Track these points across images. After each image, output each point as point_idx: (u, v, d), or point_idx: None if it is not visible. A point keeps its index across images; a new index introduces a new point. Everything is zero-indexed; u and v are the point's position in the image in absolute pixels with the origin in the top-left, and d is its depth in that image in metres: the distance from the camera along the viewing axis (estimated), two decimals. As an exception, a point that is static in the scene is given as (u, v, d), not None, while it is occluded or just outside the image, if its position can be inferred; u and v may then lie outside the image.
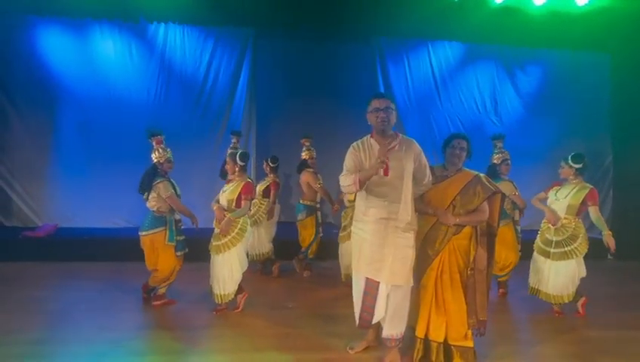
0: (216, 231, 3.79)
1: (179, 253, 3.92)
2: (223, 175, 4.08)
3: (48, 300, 4.07)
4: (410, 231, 2.78)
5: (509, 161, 4.48)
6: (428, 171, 2.85)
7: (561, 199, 3.89)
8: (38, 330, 3.31)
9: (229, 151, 5.05)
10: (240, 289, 3.84)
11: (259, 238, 5.06)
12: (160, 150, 3.90)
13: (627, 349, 3.27)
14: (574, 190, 3.87)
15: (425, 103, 7.55)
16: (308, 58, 7.33)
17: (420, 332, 2.88)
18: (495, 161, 4.49)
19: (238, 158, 3.89)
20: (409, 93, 7.52)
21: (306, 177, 5.12)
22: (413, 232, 2.81)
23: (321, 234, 5.24)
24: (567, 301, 3.88)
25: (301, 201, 5.21)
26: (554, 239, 3.89)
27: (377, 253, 2.74)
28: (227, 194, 3.83)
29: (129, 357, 2.94)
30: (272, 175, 5.21)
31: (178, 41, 6.98)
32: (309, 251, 5.15)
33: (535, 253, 4.08)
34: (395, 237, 2.73)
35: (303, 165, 5.21)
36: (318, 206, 5.22)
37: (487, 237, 2.91)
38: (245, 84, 7.10)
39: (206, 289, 3.93)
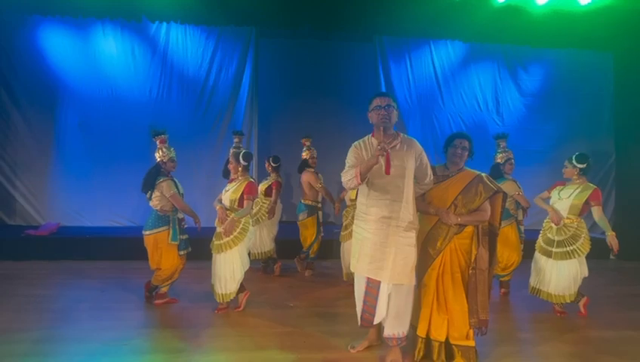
0: (218, 230, 3.79)
1: (182, 252, 3.93)
2: (226, 174, 4.09)
3: (50, 299, 4.08)
4: (411, 231, 2.78)
5: (513, 161, 4.48)
6: (429, 171, 2.85)
7: (564, 199, 3.89)
8: (41, 329, 3.32)
9: (232, 150, 5.05)
10: (242, 288, 3.85)
11: (261, 237, 5.07)
12: (164, 149, 3.91)
13: (629, 349, 3.26)
14: (578, 190, 3.86)
15: (427, 103, 7.55)
16: (310, 57, 7.34)
17: (421, 332, 2.88)
18: (499, 161, 4.50)
19: (241, 158, 3.89)
20: (411, 92, 7.52)
21: (307, 177, 5.13)
22: (415, 231, 2.81)
23: (323, 234, 5.25)
24: (568, 301, 3.87)
25: (302, 201, 5.21)
26: (556, 239, 3.88)
27: (379, 252, 2.75)
28: (230, 193, 3.83)
29: (131, 356, 2.95)
30: (274, 174, 5.21)
31: (180, 41, 7.00)
32: (311, 250, 5.15)
33: (536, 253, 4.07)
34: (396, 236, 2.73)
35: (304, 165, 5.22)
36: (319, 205, 5.23)
37: (489, 236, 2.90)
38: (247, 83, 7.11)
39: (208, 288, 3.93)
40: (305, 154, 5.24)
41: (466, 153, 2.92)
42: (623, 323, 3.82)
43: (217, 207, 3.84)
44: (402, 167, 2.73)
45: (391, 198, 2.73)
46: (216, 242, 3.77)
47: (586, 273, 3.86)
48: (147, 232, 3.88)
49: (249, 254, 4.10)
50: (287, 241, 5.51)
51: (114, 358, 2.88)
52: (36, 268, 5.14)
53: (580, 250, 3.80)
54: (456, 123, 7.54)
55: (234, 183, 3.89)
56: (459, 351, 2.81)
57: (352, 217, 4.43)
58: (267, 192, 5.15)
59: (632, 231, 6.56)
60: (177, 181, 4.00)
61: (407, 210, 2.75)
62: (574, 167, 3.89)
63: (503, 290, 4.55)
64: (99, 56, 6.77)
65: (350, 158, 2.83)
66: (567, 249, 3.83)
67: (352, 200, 4.56)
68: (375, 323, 2.84)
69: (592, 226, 4.23)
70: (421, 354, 2.89)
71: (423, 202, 2.94)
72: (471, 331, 2.83)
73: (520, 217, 4.51)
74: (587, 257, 3.86)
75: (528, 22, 6.62)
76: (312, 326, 3.50)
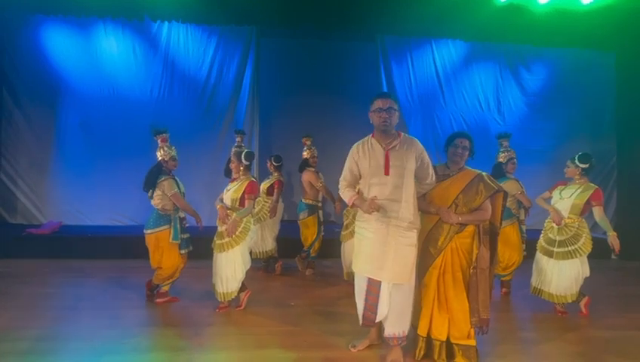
0: (220, 229, 3.79)
1: (183, 251, 3.94)
2: (228, 173, 4.09)
3: (52, 297, 4.10)
4: (412, 230, 2.78)
5: (515, 160, 4.48)
6: (431, 170, 2.85)
7: (566, 198, 3.88)
8: (42, 327, 3.33)
9: (234, 149, 5.07)
10: (243, 287, 3.85)
11: (262, 236, 5.08)
12: (165, 148, 3.91)
13: (630, 349, 3.26)
14: (579, 190, 3.85)
15: (428, 102, 7.54)
16: (311, 56, 7.34)
17: (422, 331, 2.88)
18: (501, 160, 4.49)
19: (243, 158, 3.89)
20: (412, 91, 7.51)
21: (307, 176, 5.13)
22: (416, 231, 2.81)
23: (323, 233, 5.25)
24: (570, 301, 3.87)
25: (303, 200, 5.22)
26: (557, 238, 3.88)
27: (379, 251, 2.75)
28: (231, 193, 3.83)
29: (132, 354, 2.96)
30: (276, 173, 5.22)
31: (182, 40, 7.01)
32: (312, 250, 5.16)
33: (538, 253, 4.06)
34: (396, 236, 2.73)
35: (305, 164, 5.22)
36: (319, 205, 5.23)
37: (490, 235, 2.90)
38: (248, 82, 7.11)
39: (209, 287, 3.94)
40: (305, 154, 5.25)
41: (467, 152, 2.92)
42: (625, 322, 3.81)
43: (218, 207, 3.85)
44: (402, 167, 2.73)
45: (390, 198, 2.73)
46: (217, 241, 3.78)
47: (587, 273, 3.86)
48: (148, 231, 3.89)
49: (250, 253, 4.10)
50: (288, 240, 5.51)
51: (115, 356, 2.89)
52: (38, 267, 5.16)
53: (581, 249, 3.80)
54: (457, 122, 7.53)
55: (235, 182, 3.89)
56: (460, 350, 2.81)
57: (353, 216, 4.45)
58: (269, 191, 5.16)
59: (634, 231, 6.55)
60: (179, 180, 4.00)
61: (408, 210, 2.74)
62: (577, 166, 3.88)
63: (504, 290, 4.55)
64: (100, 56, 6.78)
65: (346, 171, 2.88)
66: (569, 249, 3.82)
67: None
68: (377, 321, 2.84)
69: (594, 226, 4.22)
70: (422, 353, 2.89)
71: (423, 201, 2.93)
72: (472, 330, 2.83)
73: (522, 217, 4.50)
74: (589, 257, 3.85)
75: (530, 21, 6.61)
76: (312, 325, 3.50)
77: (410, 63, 7.50)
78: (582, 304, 3.93)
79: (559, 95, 7.59)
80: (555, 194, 4.00)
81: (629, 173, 7.16)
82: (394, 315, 2.81)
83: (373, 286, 2.79)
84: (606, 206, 6.62)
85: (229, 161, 4.01)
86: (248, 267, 3.84)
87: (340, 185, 2.92)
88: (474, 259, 2.83)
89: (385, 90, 7.25)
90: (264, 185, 5.20)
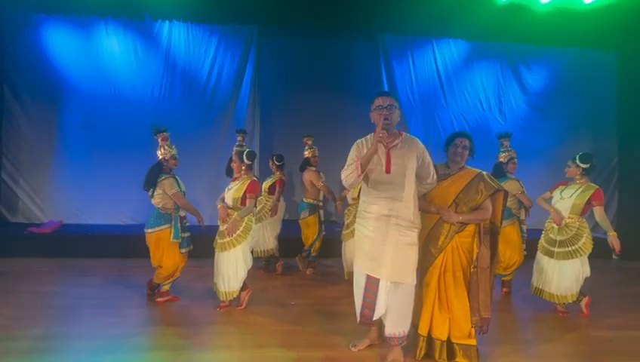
0: (221, 228, 3.80)
1: (184, 250, 3.94)
2: (229, 172, 4.10)
3: (53, 296, 4.10)
4: (412, 230, 2.77)
5: (516, 160, 4.48)
6: (432, 170, 2.84)
7: (566, 198, 3.87)
8: (43, 326, 3.33)
9: (236, 149, 5.08)
10: (244, 287, 3.85)
11: (264, 235, 5.09)
12: (165, 147, 3.92)
13: (631, 349, 3.26)
14: (580, 190, 3.85)
15: (429, 101, 7.53)
16: (311, 55, 7.33)
17: (422, 330, 2.89)
18: (501, 160, 4.49)
19: (245, 157, 3.89)
20: (413, 91, 7.50)
21: (308, 175, 5.13)
22: (416, 230, 2.81)
23: (324, 233, 5.25)
24: (570, 301, 3.87)
25: (304, 199, 5.22)
26: (558, 238, 3.87)
27: (378, 249, 2.75)
28: (233, 192, 3.84)
29: (133, 353, 2.96)
30: (278, 172, 5.23)
31: (183, 39, 7.01)
32: (312, 249, 5.16)
33: (539, 253, 4.06)
34: (396, 234, 2.73)
35: (306, 164, 5.22)
36: (320, 204, 5.23)
37: (490, 235, 2.90)
38: (249, 81, 7.11)
39: (210, 286, 3.94)
40: (307, 153, 5.25)
41: (467, 152, 2.92)
42: (625, 323, 3.81)
43: (219, 206, 3.85)
44: (403, 165, 2.73)
45: (391, 197, 2.73)
46: (219, 240, 3.78)
47: (588, 273, 3.85)
48: (149, 230, 3.89)
49: (252, 252, 4.11)
50: (288, 240, 5.52)
51: (116, 355, 2.89)
52: (39, 266, 5.17)
53: (582, 249, 3.79)
54: (458, 122, 7.52)
55: (237, 182, 3.89)
56: (460, 349, 2.82)
57: (354, 216, 4.43)
58: (271, 190, 5.17)
59: (635, 231, 6.55)
60: (179, 179, 4.01)
61: (408, 209, 2.74)
62: (577, 166, 3.88)
63: (504, 290, 4.55)
64: (102, 55, 6.79)
65: (351, 156, 2.84)
66: (569, 249, 3.82)
67: (353, 198, 4.57)
68: (374, 319, 2.84)
69: (594, 226, 4.21)
70: (422, 352, 2.89)
71: (424, 201, 2.93)
72: (472, 330, 2.83)
73: (522, 217, 4.50)
74: (589, 257, 3.85)
75: (531, 20, 6.59)
76: (313, 325, 3.51)
77: (411, 63, 7.50)
78: (583, 304, 3.93)
79: (560, 95, 7.57)
80: (556, 194, 3.99)
81: (630, 174, 7.14)
82: (394, 315, 2.81)
83: (372, 284, 2.79)
84: (607, 206, 6.62)
85: (231, 160, 4.02)
86: (250, 266, 3.85)
87: (342, 174, 2.79)
88: (474, 258, 2.83)
89: (386, 89, 7.24)
90: (266, 184, 5.21)
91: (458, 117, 7.57)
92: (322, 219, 5.25)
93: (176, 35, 6.98)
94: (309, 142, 5.30)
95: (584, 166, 3.85)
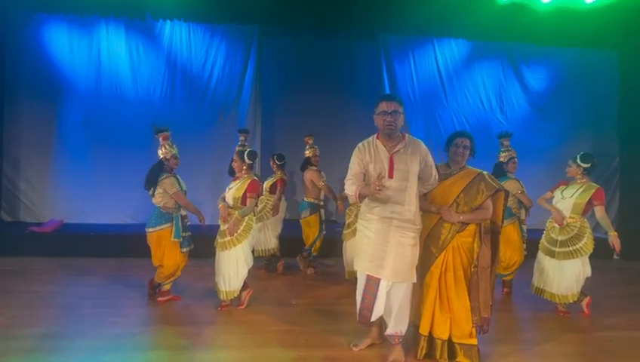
0: (222, 228, 3.80)
1: (184, 250, 3.94)
2: (231, 172, 4.10)
3: (54, 295, 4.10)
4: (413, 231, 2.78)
5: (516, 160, 4.47)
6: (434, 171, 2.84)
7: (567, 198, 3.87)
8: (45, 325, 3.34)
9: (238, 148, 5.08)
10: (245, 286, 3.85)
11: (265, 235, 5.09)
12: (166, 146, 3.92)
13: (632, 350, 3.25)
14: (581, 189, 3.84)
15: (430, 101, 7.52)
16: (313, 55, 7.33)
17: (423, 330, 2.88)
18: (502, 160, 4.49)
19: (246, 157, 3.90)
20: (414, 90, 7.49)
21: (309, 175, 5.13)
22: (417, 231, 2.81)
23: (325, 232, 5.26)
24: (571, 301, 3.86)
25: (305, 199, 5.22)
26: (559, 238, 3.87)
27: (379, 250, 2.76)
28: (233, 191, 3.84)
29: (134, 352, 2.96)
30: (279, 172, 5.24)
31: (184, 39, 7.00)
32: (313, 248, 5.16)
33: (540, 253, 4.05)
34: (397, 235, 2.74)
35: (307, 163, 5.22)
36: (321, 203, 5.23)
37: (491, 234, 2.91)
38: (250, 81, 7.10)
39: (211, 286, 3.95)
40: (308, 153, 5.25)
41: (468, 152, 2.92)
42: (626, 323, 3.81)
43: (220, 205, 3.85)
44: (406, 170, 2.73)
45: (393, 200, 2.73)
46: (220, 240, 3.78)
47: (589, 273, 3.85)
48: (150, 229, 3.89)
49: (253, 251, 4.11)
50: (289, 239, 5.51)
51: (117, 354, 2.89)
52: (40, 265, 5.17)
53: (583, 249, 3.79)
54: (459, 122, 7.51)
55: (238, 181, 3.90)
56: (461, 349, 2.82)
57: (355, 215, 4.45)
58: (272, 189, 5.18)
59: (636, 231, 6.53)
60: (180, 178, 4.01)
61: (410, 211, 2.75)
62: (578, 166, 3.87)
63: (505, 289, 4.54)
64: (103, 54, 6.78)
65: (353, 165, 2.83)
66: (570, 248, 3.81)
67: (354, 198, 4.56)
68: (372, 320, 2.85)
69: (596, 226, 4.21)
70: (423, 352, 2.89)
71: (425, 200, 2.93)
72: (473, 329, 2.83)
73: (522, 216, 4.50)
74: (591, 257, 3.84)
75: (533, 20, 6.58)
76: (314, 324, 3.51)
77: (412, 62, 7.48)
78: (583, 304, 3.93)
79: (561, 94, 7.56)
80: (557, 194, 3.99)
81: (631, 174, 7.13)
82: (396, 314, 2.82)
83: (371, 285, 2.80)
84: (608, 206, 6.60)
85: (233, 160, 4.02)
86: (251, 265, 3.85)
87: (345, 185, 2.87)
88: (475, 257, 2.83)
89: (387, 89, 7.23)
90: (267, 184, 5.21)
91: (459, 117, 7.56)
92: (323, 218, 5.25)
93: (177, 34, 6.97)
94: (310, 142, 5.30)
95: (585, 165, 3.85)
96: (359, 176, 2.82)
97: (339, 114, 7.36)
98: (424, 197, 2.94)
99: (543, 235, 4.07)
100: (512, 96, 7.66)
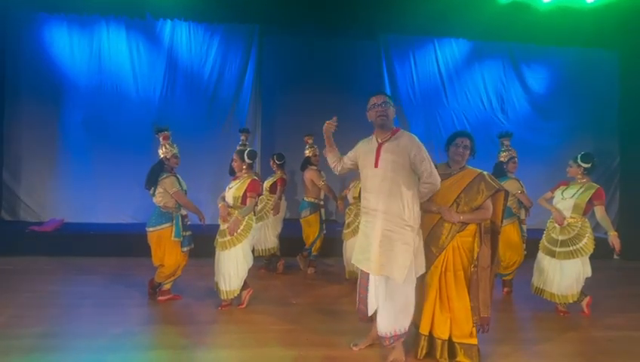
0: (222, 227, 3.80)
1: (185, 249, 3.95)
2: (232, 172, 4.10)
3: (55, 294, 4.11)
4: (404, 227, 2.71)
5: (516, 159, 4.47)
6: (427, 166, 2.74)
7: (568, 198, 3.87)
8: (45, 324, 3.34)
9: (238, 148, 5.08)
10: (245, 286, 3.86)
11: (265, 234, 5.09)
12: (167, 146, 3.93)
13: (632, 349, 3.25)
14: (581, 189, 3.84)
15: (431, 101, 7.52)
16: (313, 55, 7.32)
17: (424, 330, 2.89)
18: (502, 159, 4.49)
19: (245, 156, 3.90)
20: (415, 90, 7.49)
21: (309, 174, 5.14)
22: (410, 229, 2.73)
23: (325, 232, 5.26)
24: (571, 301, 3.86)
25: (305, 199, 5.23)
26: (559, 238, 3.87)
27: (367, 243, 2.80)
28: (233, 191, 3.84)
29: (134, 352, 2.97)
30: (279, 171, 5.24)
31: (184, 38, 7.01)
32: (313, 248, 5.16)
33: (540, 253, 4.05)
34: (384, 229, 2.72)
35: (307, 162, 5.23)
36: (321, 203, 5.24)
37: (491, 234, 2.91)
38: (251, 80, 7.11)
39: (211, 285, 3.95)
40: (308, 152, 5.26)
41: (468, 152, 2.92)
42: (626, 323, 3.81)
43: (220, 205, 3.86)
44: (391, 160, 2.75)
45: (379, 191, 2.75)
46: (220, 239, 3.79)
47: (589, 273, 3.85)
48: (150, 229, 3.90)
49: (253, 251, 4.11)
50: (289, 239, 5.52)
51: (118, 354, 2.90)
52: (40, 264, 5.18)
53: (583, 249, 3.79)
54: (460, 121, 7.51)
55: (238, 181, 3.90)
56: (461, 348, 2.82)
57: (355, 215, 4.46)
58: (272, 189, 5.18)
59: (636, 231, 6.53)
60: (180, 177, 4.01)
61: (397, 205, 2.71)
62: (579, 166, 3.87)
63: (505, 289, 4.54)
64: (103, 54, 6.78)
65: (350, 151, 3.03)
66: (571, 248, 3.81)
67: (354, 197, 4.58)
68: (369, 314, 2.86)
69: (596, 226, 4.21)
70: (424, 352, 2.89)
71: (425, 200, 2.93)
72: (474, 329, 2.83)
73: (522, 216, 4.50)
74: (591, 257, 3.84)
75: (534, 20, 6.59)
76: (314, 324, 3.51)
77: (412, 62, 7.48)
78: (583, 304, 3.93)
79: (562, 94, 7.56)
80: (557, 194, 3.99)
81: (631, 174, 7.12)
82: (384, 314, 2.79)
83: (364, 279, 2.84)
84: (608, 206, 6.60)
85: (233, 159, 4.02)
86: (251, 265, 3.85)
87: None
88: (475, 257, 2.84)
89: (387, 88, 7.25)
90: (267, 183, 5.21)
91: (459, 116, 7.55)
92: (323, 218, 5.26)
93: (177, 34, 6.97)
94: (310, 141, 5.31)
95: (585, 166, 3.85)
96: (346, 159, 3.05)
97: (339, 113, 7.18)
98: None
99: (544, 235, 4.07)
100: (513, 96, 7.65)
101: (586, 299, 3.93)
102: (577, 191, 3.85)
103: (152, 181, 3.89)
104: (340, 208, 4.98)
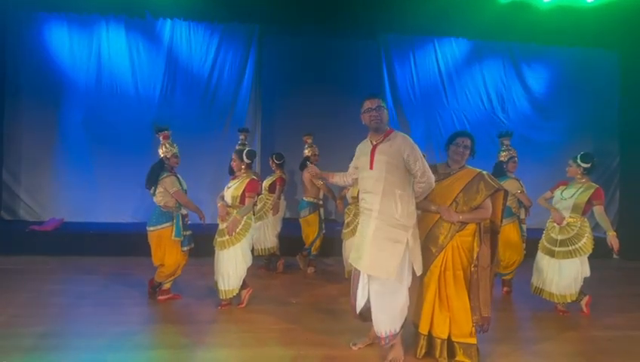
0: (221, 227, 3.81)
1: (185, 248, 3.95)
2: (232, 171, 4.11)
3: (55, 294, 4.11)
4: (397, 227, 2.72)
5: (516, 159, 4.47)
6: (421, 166, 2.75)
7: (567, 198, 3.87)
8: (45, 323, 3.35)
9: (237, 147, 5.09)
10: (244, 285, 3.86)
11: (264, 233, 5.09)
12: (167, 145, 3.93)
13: (632, 349, 3.26)
14: (580, 189, 3.85)
15: (431, 100, 7.51)
16: (313, 55, 7.32)
17: (423, 329, 2.89)
18: (502, 159, 4.49)
19: (244, 156, 3.90)
20: (415, 90, 7.49)
21: (308, 174, 5.13)
22: (403, 229, 2.72)
23: (324, 231, 5.26)
24: (569, 300, 3.87)
25: (304, 198, 5.23)
26: (559, 238, 3.87)
27: (359, 241, 2.84)
28: (232, 190, 3.84)
29: (134, 351, 2.97)
30: (278, 171, 5.24)
31: (184, 37, 7.00)
32: (313, 248, 5.17)
33: (539, 253, 4.06)
34: (377, 228, 2.73)
35: (306, 162, 5.23)
36: (321, 203, 5.24)
37: (491, 234, 2.91)
38: (250, 80, 7.11)
39: (211, 285, 3.95)
40: (307, 152, 5.27)
41: (468, 151, 2.92)
42: (626, 323, 3.81)
43: (219, 204, 3.86)
44: (385, 161, 2.77)
45: (373, 191, 2.78)
46: (219, 239, 3.79)
47: (587, 273, 3.85)
48: (151, 228, 3.90)
49: (252, 250, 4.11)
50: (289, 238, 5.52)
51: (118, 353, 2.90)
52: (40, 264, 5.18)
53: (582, 249, 3.79)
54: (460, 121, 7.51)
55: (237, 180, 3.90)
56: (460, 348, 2.82)
57: (354, 215, 4.46)
58: (271, 189, 5.18)
59: (636, 231, 6.53)
60: (181, 177, 4.01)
61: (389, 205, 2.71)
62: (578, 166, 3.87)
63: (505, 289, 4.55)
64: (103, 53, 6.78)
65: (352, 162, 3.10)
66: (570, 248, 3.82)
67: (353, 197, 4.58)
68: (357, 311, 2.90)
69: (596, 226, 4.21)
70: (423, 351, 2.90)
71: (424, 200, 2.93)
72: (473, 329, 2.83)
73: (522, 216, 4.50)
74: (591, 256, 3.84)
75: (534, 19, 6.58)
76: (313, 323, 3.52)
77: (412, 62, 7.48)
78: (583, 303, 3.93)
79: (562, 94, 7.56)
80: (557, 194, 3.99)
81: (631, 174, 7.12)
82: (375, 313, 2.81)
83: (355, 275, 2.88)
84: (608, 206, 6.61)
85: (232, 158, 4.02)
86: (250, 264, 3.86)
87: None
88: (475, 257, 2.84)
89: (387, 88, 7.26)
90: (266, 183, 5.21)
91: (459, 116, 7.55)
92: (322, 217, 5.26)
93: (177, 33, 6.97)
94: (309, 141, 5.32)
95: (585, 165, 3.85)
96: (351, 169, 3.10)
97: (338, 113, 7.34)
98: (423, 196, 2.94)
99: (543, 235, 4.07)
100: (513, 96, 7.65)
101: (586, 299, 3.93)
102: (577, 191, 3.85)
103: (153, 180, 3.89)
104: (339, 208, 4.99)
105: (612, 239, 3.72)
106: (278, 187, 5.13)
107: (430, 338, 2.89)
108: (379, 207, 2.73)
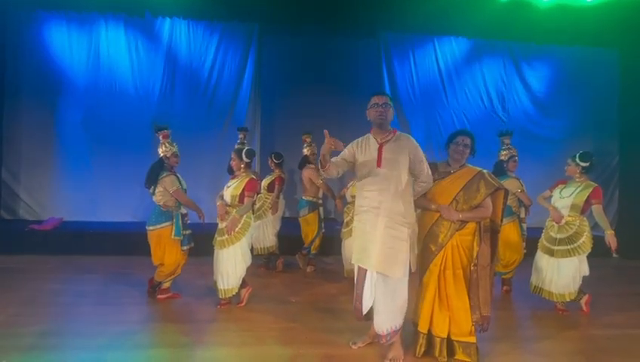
0: (221, 226, 3.80)
1: (185, 248, 3.95)
2: (231, 170, 4.10)
3: (55, 293, 4.11)
4: (402, 225, 2.77)
5: (517, 158, 4.47)
6: (425, 168, 2.84)
7: (566, 197, 3.87)
8: (45, 323, 3.34)
9: (236, 147, 5.08)
10: (244, 284, 3.86)
11: (264, 232, 5.10)
12: (167, 144, 3.93)
13: (631, 347, 3.26)
14: (579, 188, 3.84)
15: (430, 99, 7.52)
16: (313, 54, 7.32)
17: (422, 328, 2.89)
18: (502, 158, 4.49)
19: (244, 155, 3.90)
20: (414, 89, 7.50)
21: (308, 173, 5.14)
22: (407, 227, 2.79)
23: (324, 230, 5.26)
24: (568, 299, 3.87)
25: (303, 197, 5.23)
26: (558, 236, 3.87)
27: (367, 240, 2.80)
28: (231, 189, 3.84)
29: (134, 350, 2.97)
30: (277, 170, 5.24)
31: (183, 36, 7.00)
32: (312, 247, 5.17)
33: (538, 252, 4.06)
34: (385, 226, 2.75)
35: (305, 161, 5.23)
36: (320, 202, 5.24)
37: (491, 233, 2.91)
38: (250, 79, 7.11)
39: (210, 284, 3.95)
40: (306, 151, 5.27)
41: (468, 150, 2.92)
42: (625, 321, 3.82)
43: (218, 204, 3.86)
44: (394, 160, 2.79)
45: (379, 188, 2.78)
46: (218, 238, 3.79)
47: (586, 271, 3.85)
48: (150, 228, 3.90)
49: (252, 249, 4.11)
50: (289, 237, 5.52)
51: (118, 352, 2.90)
52: (40, 263, 5.18)
53: (581, 248, 3.79)
54: (459, 120, 7.52)
55: (236, 179, 3.90)
56: (460, 347, 2.82)
57: (354, 214, 4.45)
58: (270, 188, 5.18)
59: (635, 230, 6.54)
60: (180, 176, 4.01)
61: (397, 203, 2.75)
62: (577, 165, 3.87)
63: (505, 288, 4.55)
64: (102, 52, 6.78)
65: (343, 151, 2.92)
66: (569, 247, 3.82)
67: (352, 196, 4.57)
68: (364, 312, 2.86)
69: (595, 225, 4.21)
70: (422, 350, 2.90)
71: (424, 199, 2.94)
72: (472, 327, 2.83)
73: (522, 215, 4.50)
74: (590, 255, 3.84)
75: (534, 18, 6.59)
76: (313, 322, 3.52)
77: (412, 61, 7.49)
78: (583, 302, 3.94)
79: (562, 93, 7.57)
80: (556, 192, 3.99)
81: (631, 173, 7.14)
82: (381, 311, 2.80)
83: (361, 276, 2.85)
84: (607, 205, 6.61)
85: (231, 158, 4.02)
86: (249, 263, 3.86)
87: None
88: (475, 256, 2.84)
89: (387, 87, 7.25)
90: (265, 182, 5.21)
91: (459, 115, 7.56)
92: (322, 216, 5.26)
93: (177, 32, 6.97)
94: (308, 140, 5.32)
95: (584, 164, 3.85)
96: (341, 160, 2.92)
97: (338, 112, 7.34)
98: (423, 196, 2.94)
99: (543, 234, 4.07)
100: (513, 94, 7.66)
101: (585, 297, 3.94)
102: (575, 189, 3.85)
103: (152, 180, 3.89)
104: (339, 207, 4.99)
105: (610, 238, 3.73)
106: (277, 186, 5.13)
107: (430, 337, 2.89)
108: (388, 205, 2.74)
